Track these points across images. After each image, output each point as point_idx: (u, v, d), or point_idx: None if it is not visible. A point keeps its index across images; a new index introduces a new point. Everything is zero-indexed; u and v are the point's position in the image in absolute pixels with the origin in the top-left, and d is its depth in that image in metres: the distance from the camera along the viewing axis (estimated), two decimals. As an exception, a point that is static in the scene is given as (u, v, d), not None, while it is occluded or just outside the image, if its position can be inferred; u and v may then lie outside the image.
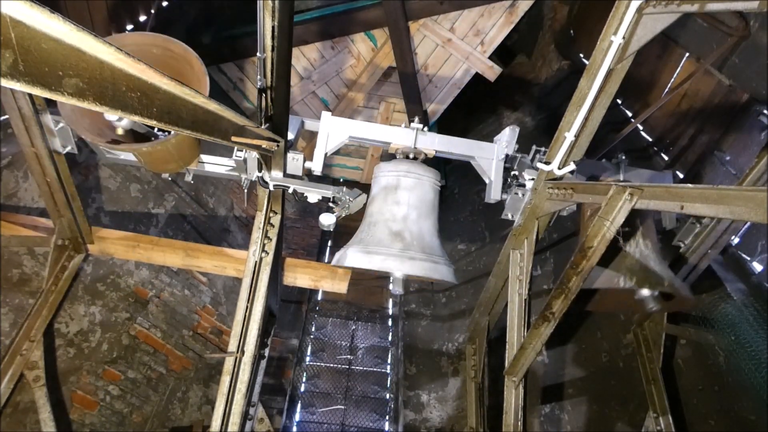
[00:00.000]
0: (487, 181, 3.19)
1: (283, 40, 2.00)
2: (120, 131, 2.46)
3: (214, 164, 3.06)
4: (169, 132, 2.69)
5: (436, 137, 3.15)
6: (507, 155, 3.18)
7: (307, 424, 5.48)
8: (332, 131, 3.07)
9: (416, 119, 3.15)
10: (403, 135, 3.11)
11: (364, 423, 5.57)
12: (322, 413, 5.58)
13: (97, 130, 2.58)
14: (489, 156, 3.19)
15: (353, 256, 2.77)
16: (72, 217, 3.46)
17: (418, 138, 3.10)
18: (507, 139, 3.16)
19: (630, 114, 6.08)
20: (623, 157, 3.19)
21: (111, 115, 2.30)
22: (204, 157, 3.03)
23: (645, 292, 2.80)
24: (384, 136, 3.12)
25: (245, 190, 3.00)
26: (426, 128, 3.14)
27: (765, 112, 3.86)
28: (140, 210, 4.99)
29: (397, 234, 2.82)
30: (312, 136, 7.70)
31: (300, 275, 3.95)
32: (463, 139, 3.19)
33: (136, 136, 2.66)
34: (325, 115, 3.07)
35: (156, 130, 2.70)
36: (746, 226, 3.55)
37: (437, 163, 3.14)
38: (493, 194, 3.17)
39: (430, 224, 2.97)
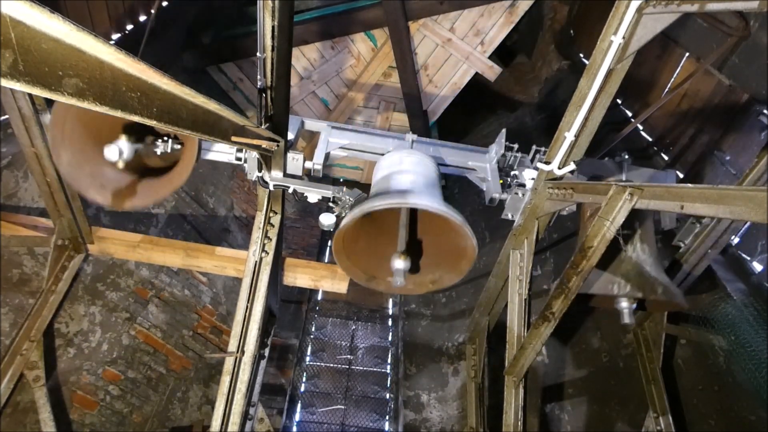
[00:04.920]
0: (484, 188, 3.23)
1: (283, 40, 2.01)
2: (121, 165, 2.42)
3: (219, 152, 3.02)
4: (167, 139, 2.67)
5: (430, 146, 3.19)
6: (498, 156, 3.21)
7: (307, 424, 5.48)
8: (330, 141, 3.13)
9: (409, 133, 3.24)
10: (398, 143, 3.18)
11: (364, 423, 5.57)
12: (322, 413, 5.58)
13: (100, 178, 2.55)
14: (482, 162, 3.25)
15: (365, 206, 2.41)
16: (72, 217, 3.46)
17: (414, 147, 3.15)
18: (496, 143, 3.21)
19: (630, 114, 6.08)
20: (626, 156, 3.18)
21: (110, 155, 2.27)
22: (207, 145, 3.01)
23: (624, 304, 2.78)
24: (379, 144, 3.19)
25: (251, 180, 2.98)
26: (415, 142, 3.21)
27: (765, 112, 3.86)
28: (140, 210, 4.99)
29: (405, 190, 2.59)
30: (312, 136, 7.71)
31: (300, 275, 3.94)
32: (457, 145, 3.28)
33: (135, 159, 2.61)
34: (325, 127, 3.13)
35: (155, 139, 2.68)
36: (746, 226, 3.55)
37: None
38: (493, 192, 3.18)
39: (437, 196, 2.70)
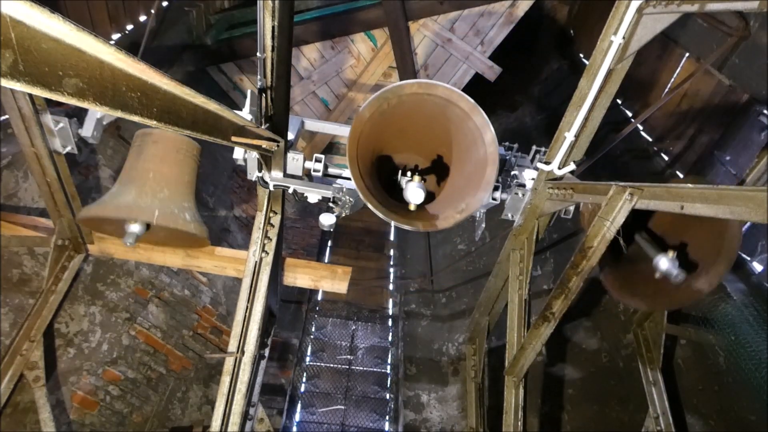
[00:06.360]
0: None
1: (283, 40, 2.00)
2: None
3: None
4: None
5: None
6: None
7: (307, 424, 5.48)
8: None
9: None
10: None
11: (364, 423, 5.57)
12: (322, 413, 5.58)
13: None
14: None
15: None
16: (72, 217, 3.45)
17: None
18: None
19: (630, 114, 6.08)
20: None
21: None
22: None
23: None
24: None
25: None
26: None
27: (765, 112, 3.87)
28: (140, 210, 4.98)
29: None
30: (312, 136, 7.71)
31: (300, 275, 3.94)
32: None
33: None
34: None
35: None
36: (746, 226, 3.56)
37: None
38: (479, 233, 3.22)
39: None
